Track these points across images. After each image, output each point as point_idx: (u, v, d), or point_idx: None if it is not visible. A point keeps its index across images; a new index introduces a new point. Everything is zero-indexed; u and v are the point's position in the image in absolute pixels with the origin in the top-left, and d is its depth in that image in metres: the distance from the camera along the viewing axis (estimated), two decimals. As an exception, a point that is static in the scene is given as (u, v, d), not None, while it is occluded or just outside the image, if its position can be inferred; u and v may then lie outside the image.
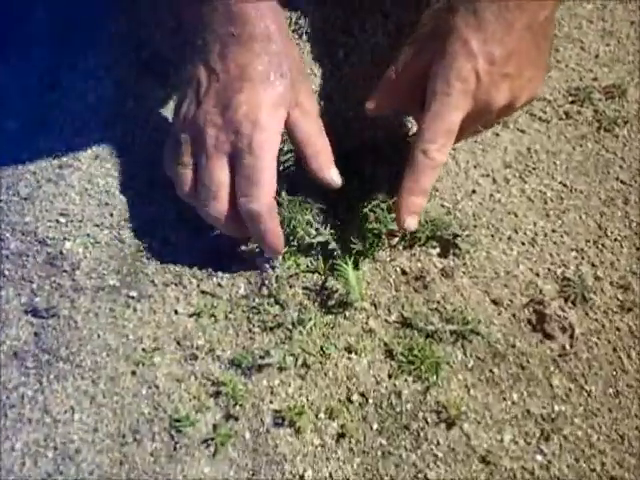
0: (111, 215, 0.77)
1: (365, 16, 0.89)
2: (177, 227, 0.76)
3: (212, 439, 0.66)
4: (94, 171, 0.79)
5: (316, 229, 0.73)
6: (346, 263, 0.71)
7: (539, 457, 0.67)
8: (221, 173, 0.68)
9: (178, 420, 0.67)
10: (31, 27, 0.87)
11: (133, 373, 0.70)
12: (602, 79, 0.86)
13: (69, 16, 0.88)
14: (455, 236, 0.75)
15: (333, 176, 0.72)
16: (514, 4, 0.65)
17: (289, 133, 0.71)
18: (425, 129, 0.67)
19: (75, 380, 0.69)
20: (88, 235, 0.76)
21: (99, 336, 0.71)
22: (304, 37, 0.87)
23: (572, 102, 0.85)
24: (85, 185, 0.78)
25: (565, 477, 0.65)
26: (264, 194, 0.68)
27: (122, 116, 0.82)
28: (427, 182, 0.69)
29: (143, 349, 0.71)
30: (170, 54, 0.86)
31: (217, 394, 0.69)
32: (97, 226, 0.76)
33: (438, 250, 0.76)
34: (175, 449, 0.66)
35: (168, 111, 0.83)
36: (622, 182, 0.80)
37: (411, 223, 0.69)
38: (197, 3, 0.68)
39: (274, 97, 0.68)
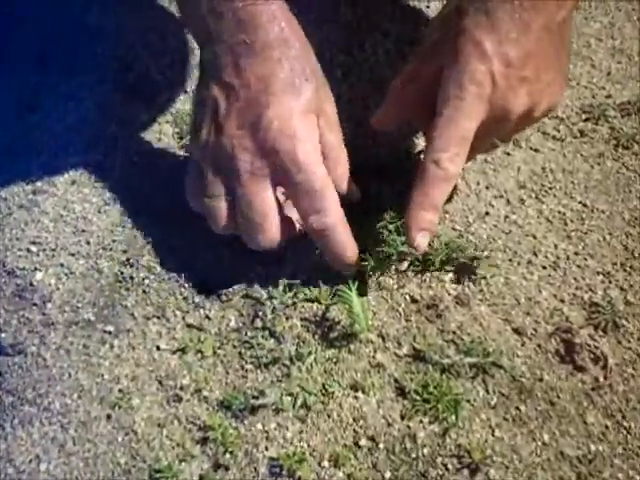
0: (87, 243, 0.69)
1: (364, 36, 0.85)
2: (160, 256, 0.69)
3: (199, 492, 0.57)
4: (70, 197, 0.72)
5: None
6: (350, 289, 0.63)
7: (578, 506, 0.58)
8: (263, 202, 0.62)
9: (159, 470, 0.58)
10: (13, 47, 0.82)
11: (108, 417, 0.61)
12: (616, 96, 0.81)
13: (53, 37, 0.82)
14: (472, 259, 0.67)
15: (352, 188, 0.67)
16: (529, 3, 0.59)
17: None
18: (436, 137, 0.61)
19: (42, 425, 0.60)
20: (62, 265, 0.68)
21: (70, 375, 0.63)
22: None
23: (586, 120, 0.79)
24: (60, 211, 0.71)
25: (610, 529, 0.56)
26: (334, 204, 0.62)
27: (103, 140, 0.76)
28: (438, 196, 0.62)
29: (120, 390, 0.62)
30: (157, 77, 0.81)
31: (204, 440, 0.60)
32: (72, 255, 0.69)
33: (451, 276, 0.68)
34: (156, 505, 0.57)
35: (153, 135, 0.77)
36: (646, 201, 0.74)
37: (422, 242, 0.62)
38: (201, 14, 0.61)
39: (304, 104, 0.61)
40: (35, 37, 0.82)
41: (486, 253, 0.68)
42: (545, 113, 0.65)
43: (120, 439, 0.60)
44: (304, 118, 0.61)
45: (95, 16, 0.85)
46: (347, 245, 0.63)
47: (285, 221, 0.64)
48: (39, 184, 0.73)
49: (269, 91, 0.60)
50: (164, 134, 0.76)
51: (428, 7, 0.88)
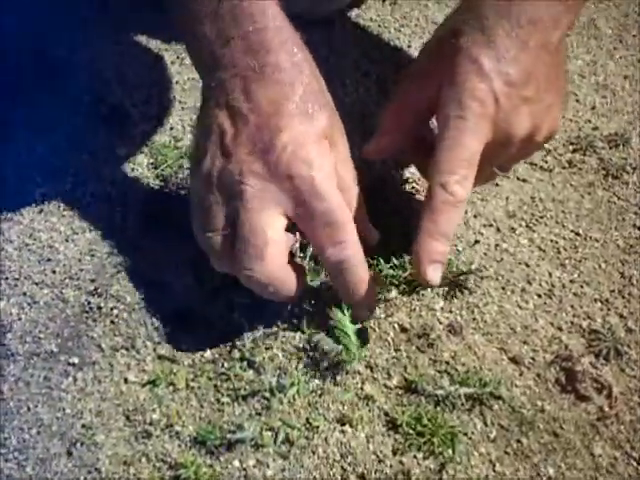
0: (53, 272, 0.65)
1: (344, 74, 0.83)
2: (130, 285, 0.64)
3: (168, 537, 0.51)
4: (37, 225, 0.68)
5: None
6: (343, 313, 0.59)
7: None
8: (268, 227, 0.55)
9: (124, 514, 0.52)
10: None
11: (69, 454, 0.55)
12: (603, 128, 0.80)
13: (23, 71, 0.80)
14: (463, 276, 0.64)
15: (370, 229, 0.63)
16: (526, 19, 0.57)
17: None
18: (442, 160, 0.57)
19: (-5, 464, 0.54)
20: (24, 294, 0.63)
21: (29, 409, 0.57)
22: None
23: (574, 151, 0.78)
24: (25, 240, 0.67)
25: None
26: (353, 237, 0.56)
27: (74, 169, 0.72)
28: (448, 224, 0.57)
29: (83, 425, 0.56)
30: (131, 110, 0.78)
31: (176, 479, 0.54)
32: (36, 284, 0.64)
33: (442, 304, 0.64)
34: None
35: (126, 166, 0.73)
36: (640, 229, 0.71)
37: (434, 276, 0.57)
38: (208, 39, 0.56)
39: (318, 130, 0.56)
40: (5, 71, 0.80)
41: (474, 282, 0.65)
42: (546, 139, 0.62)
43: (82, 478, 0.54)
44: (320, 144, 0.56)
45: (67, 51, 0.82)
46: (365, 280, 0.57)
47: (294, 267, 0.58)
48: (4, 213, 0.68)
49: (281, 114, 0.55)
50: (138, 164, 0.73)
51: (410, 47, 0.88)
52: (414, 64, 0.64)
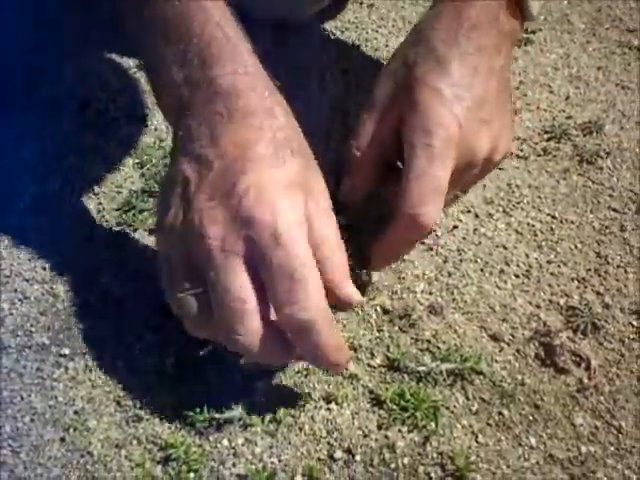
0: (44, 269, 0.66)
1: (323, 72, 0.86)
2: (119, 279, 0.66)
3: (160, 515, 0.52)
4: (26, 225, 0.69)
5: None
6: None
7: (574, 510, 0.53)
8: (241, 283, 0.49)
9: (116, 493, 0.53)
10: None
11: (62, 440, 0.56)
12: (576, 117, 0.82)
13: (6, 80, 0.82)
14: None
15: (352, 293, 0.54)
16: (473, 47, 0.60)
17: None
18: (412, 191, 0.56)
19: (-10, 451, 0.55)
20: (16, 290, 0.65)
21: (22, 398, 0.58)
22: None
23: (549, 139, 0.80)
24: (15, 239, 0.68)
25: (609, 532, 0.52)
26: (315, 296, 0.49)
27: (60, 171, 0.74)
28: (408, 250, 0.61)
29: (75, 412, 0.57)
30: (117, 114, 0.80)
31: (166, 460, 0.55)
32: (27, 281, 0.65)
33: (422, 287, 0.66)
34: (112, 530, 0.52)
35: (112, 166, 0.75)
36: (615, 210, 0.73)
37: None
38: (176, 84, 0.53)
39: (288, 176, 0.51)
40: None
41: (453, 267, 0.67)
42: (501, 159, 0.63)
43: (75, 462, 0.55)
44: (288, 191, 0.50)
45: (51, 59, 0.84)
46: (330, 346, 0.51)
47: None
48: (-7, 213, 0.70)
49: (247, 158, 0.50)
50: (124, 164, 0.75)
51: (387, 46, 0.90)
52: (371, 100, 0.62)
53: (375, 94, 0.62)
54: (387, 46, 0.90)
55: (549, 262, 0.69)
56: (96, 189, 0.73)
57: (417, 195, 0.56)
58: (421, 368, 0.60)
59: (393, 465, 0.55)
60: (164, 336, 0.62)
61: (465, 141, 0.58)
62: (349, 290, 0.54)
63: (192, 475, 0.54)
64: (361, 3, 0.95)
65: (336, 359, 0.52)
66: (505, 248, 0.70)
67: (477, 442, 0.57)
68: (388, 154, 0.62)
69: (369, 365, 0.61)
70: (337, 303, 0.54)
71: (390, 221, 0.59)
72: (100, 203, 0.71)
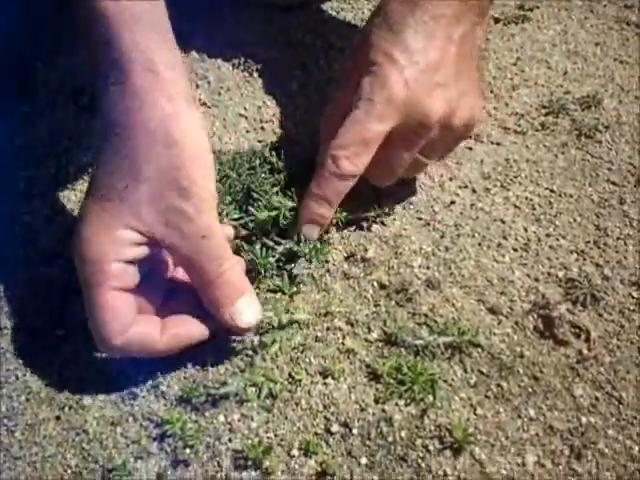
0: (37, 251, 0.66)
1: (317, 53, 0.85)
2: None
3: (156, 490, 0.52)
4: (19, 209, 0.69)
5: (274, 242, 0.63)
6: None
7: (573, 479, 0.53)
8: None
9: (113, 469, 0.53)
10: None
11: (57, 418, 0.56)
12: (574, 92, 0.81)
13: (3, 69, 0.82)
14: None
15: (234, 315, 0.55)
16: (429, 17, 0.61)
17: None
18: (339, 134, 0.60)
19: (-16, 431, 0.55)
20: (10, 273, 0.64)
21: (18, 378, 0.58)
22: (254, 74, 0.82)
23: (547, 114, 0.79)
24: (8, 223, 0.68)
25: (610, 501, 0.51)
26: (104, 336, 0.53)
27: (55, 154, 0.74)
28: (332, 192, 0.61)
29: (70, 391, 0.57)
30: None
31: (162, 436, 0.55)
32: (21, 264, 0.65)
33: (419, 262, 0.65)
34: (108, 506, 0.51)
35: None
36: (614, 184, 0.72)
37: (309, 233, 0.63)
38: None
39: (111, 217, 0.53)
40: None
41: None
42: (466, 125, 0.63)
43: (70, 440, 0.55)
44: (101, 234, 0.53)
45: (45, 50, 0.84)
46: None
47: None
48: (-11, 197, 0.70)
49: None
50: (119, 147, 0.74)
51: (382, 26, 0.89)
52: (340, 71, 0.67)
53: (343, 66, 0.65)
54: (383, 26, 0.89)
55: (548, 235, 0.68)
56: (90, 170, 0.72)
57: (341, 139, 0.60)
58: (418, 342, 0.59)
59: (391, 438, 0.54)
60: (159, 315, 0.62)
61: (414, 101, 0.60)
62: (230, 310, 0.55)
63: (188, 451, 0.54)
64: (356, -16, 0.94)
65: None
66: (503, 222, 0.69)
67: (475, 414, 0.56)
68: None
69: (366, 340, 0.60)
70: None
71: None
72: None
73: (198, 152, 0.53)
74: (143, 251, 0.54)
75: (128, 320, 0.53)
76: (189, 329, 0.56)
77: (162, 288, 0.58)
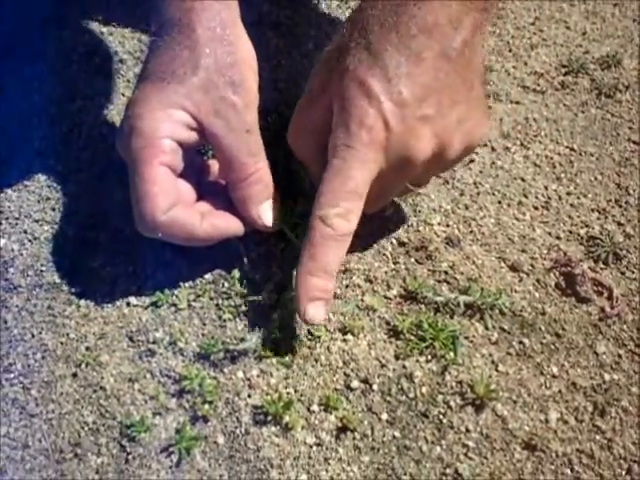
0: (53, 210, 0.65)
1: (333, 14, 0.84)
2: (130, 218, 0.64)
3: (175, 445, 0.51)
4: (35, 167, 0.68)
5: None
6: None
7: (597, 436, 0.52)
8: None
9: (130, 426, 0.52)
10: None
11: (74, 376, 0.55)
12: (594, 52, 0.80)
13: (19, 31, 0.80)
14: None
15: (261, 213, 0.58)
16: (417, 28, 0.50)
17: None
18: (323, 192, 0.52)
19: (2, 387, 0.55)
20: (25, 231, 0.64)
21: (33, 336, 0.57)
22: (269, 33, 0.80)
23: (566, 74, 0.77)
24: (24, 181, 0.67)
25: (633, 457, 0.51)
26: (148, 211, 0.54)
27: (69, 114, 0.73)
28: (329, 259, 0.52)
29: (87, 348, 0.57)
30: (124, 57, 0.78)
31: (180, 393, 0.54)
32: (36, 222, 0.65)
33: (439, 219, 0.64)
34: (127, 461, 0.51)
35: (119, 108, 0.73)
36: (635, 142, 0.71)
37: (315, 314, 0.52)
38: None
39: (167, 96, 0.54)
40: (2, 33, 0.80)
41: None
42: (465, 152, 0.55)
43: (87, 397, 0.54)
44: (158, 111, 0.54)
45: (59, 11, 0.83)
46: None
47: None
48: (3, 155, 0.69)
49: (143, 76, 0.57)
50: (132, 106, 0.73)
51: None
52: (310, 80, 0.57)
53: (310, 80, 0.57)
54: None
55: (568, 194, 0.67)
56: (104, 130, 0.71)
57: (328, 196, 0.52)
58: (439, 298, 0.59)
59: (412, 394, 0.54)
60: (176, 272, 0.61)
61: (397, 143, 0.52)
62: (256, 211, 0.58)
63: (207, 407, 0.53)
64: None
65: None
66: (523, 180, 0.68)
67: (497, 371, 0.55)
68: (321, 142, 0.55)
69: (385, 297, 0.60)
70: None
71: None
72: (107, 145, 0.70)
73: (249, 55, 0.57)
74: (191, 137, 0.56)
75: (173, 199, 0.54)
76: (227, 221, 0.58)
77: (195, 190, 0.59)
